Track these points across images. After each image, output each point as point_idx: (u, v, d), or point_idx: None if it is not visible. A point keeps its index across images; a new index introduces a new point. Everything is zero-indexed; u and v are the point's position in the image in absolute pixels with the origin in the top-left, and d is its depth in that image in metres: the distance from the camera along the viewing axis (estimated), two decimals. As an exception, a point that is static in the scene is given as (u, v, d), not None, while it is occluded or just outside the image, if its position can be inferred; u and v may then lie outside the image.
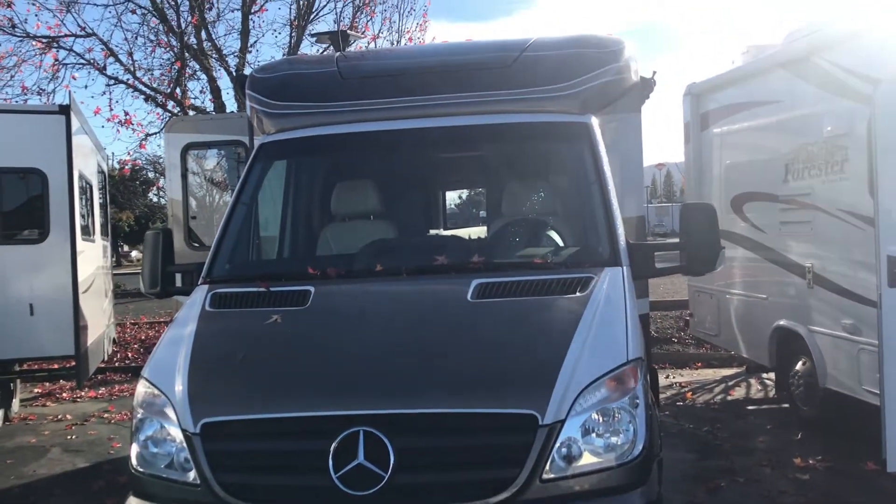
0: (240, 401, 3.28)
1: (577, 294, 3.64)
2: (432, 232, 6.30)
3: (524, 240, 4.48)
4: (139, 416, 3.43)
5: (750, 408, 8.38)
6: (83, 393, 10.36)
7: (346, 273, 4.08)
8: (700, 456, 6.65)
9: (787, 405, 7.90)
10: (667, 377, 9.86)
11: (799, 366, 7.37)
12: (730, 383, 9.56)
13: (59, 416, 9.15)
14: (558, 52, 4.80)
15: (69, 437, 8.21)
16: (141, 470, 3.37)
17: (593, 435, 3.16)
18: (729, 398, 8.88)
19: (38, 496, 6.35)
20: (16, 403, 9.27)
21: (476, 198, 6.90)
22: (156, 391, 3.41)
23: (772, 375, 8.86)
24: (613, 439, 3.18)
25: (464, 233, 6.54)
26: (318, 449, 3.07)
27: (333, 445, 3.03)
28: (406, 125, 4.52)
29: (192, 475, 3.20)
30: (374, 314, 3.72)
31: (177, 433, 3.25)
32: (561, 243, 4.43)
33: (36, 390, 10.70)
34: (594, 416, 3.17)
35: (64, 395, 10.39)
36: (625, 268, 3.90)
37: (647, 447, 3.21)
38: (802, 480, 5.92)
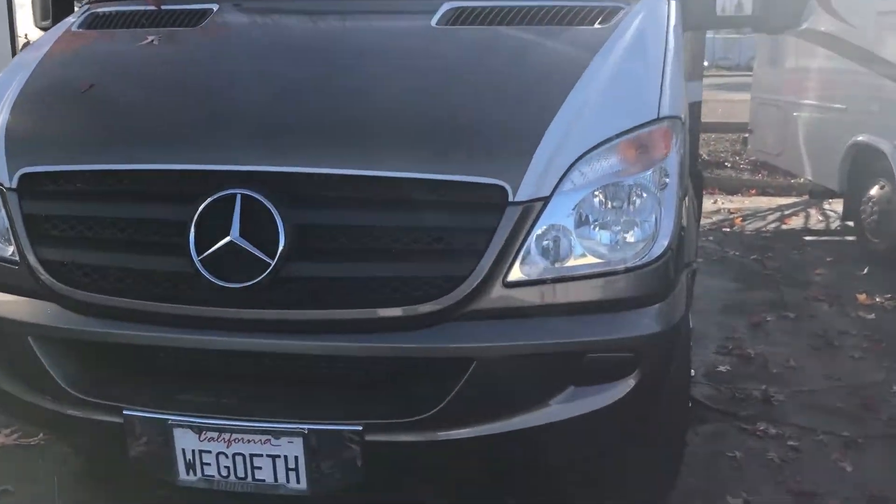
0: (74, 146, 2.23)
1: (595, 26, 2.47)
2: None
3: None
4: None
5: (808, 238, 7.23)
6: None
7: None
8: (745, 286, 5.60)
9: (852, 238, 6.76)
10: (714, 202, 8.72)
11: (875, 190, 6.17)
12: (786, 212, 8.38)
13: None
14: None
15: None
16: None
17: (593, 226, 2.09)
18: (784, 227, 7.74)
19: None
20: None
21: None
22: None
23: (835, 206, 7.72)
24: (624, 232, 2.11)
25: None
26: (174, 218, 2.06)
27: (196, 214, 2.01)
28: None
29: (11, 250, 2.23)
30: (295, 38, 2.60)
31: None
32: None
33: None
34: (596, 195, 2.09)
35: None
36: (673, 1, 2.69)
37: (672, 247, 2.14)
38: (867, 320, 4.86)
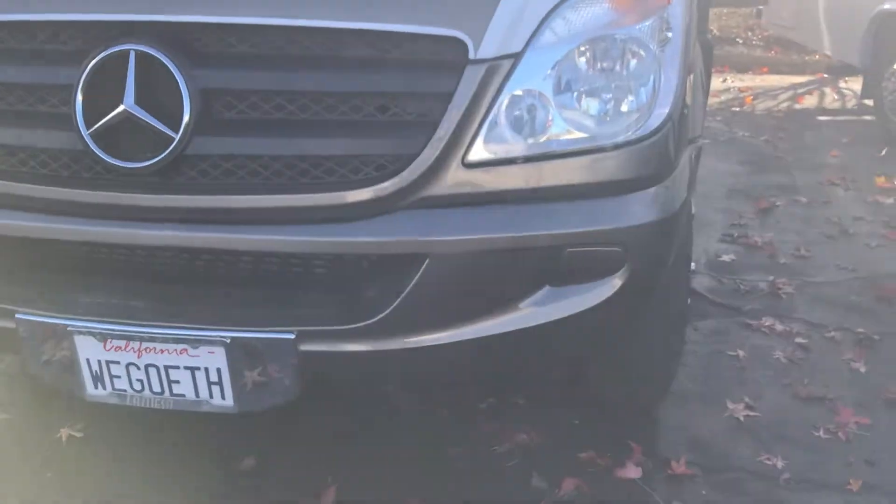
0: None
1: None
2: None
3: None
4: None
5: (822, 118, 6.77)
6: None
7: None
8: (754, 169, 5.21)
9: (870, 117, 6.32)
10: (724, 80, 8.20)
11: (899, 64, 5.69)
12: (799, 90, 7.87)
13: None
14: None
15: None
16: None
17: (576, 92, 1.70)
18: (797, 106, 7.25)
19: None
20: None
21: None
22: None
23: (852, 85, 7.24)
24: (614, 99, 1.72)
25: None
26: (57, 83, 1.68)
27: (82, 77, 1.62)
28: None
29: None
30: None
31: None
32: None
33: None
34: (582, 52, 1.69)
35: None
36: None
37: (672, 118, 1.76)
38: (885, 205, 4.49)
